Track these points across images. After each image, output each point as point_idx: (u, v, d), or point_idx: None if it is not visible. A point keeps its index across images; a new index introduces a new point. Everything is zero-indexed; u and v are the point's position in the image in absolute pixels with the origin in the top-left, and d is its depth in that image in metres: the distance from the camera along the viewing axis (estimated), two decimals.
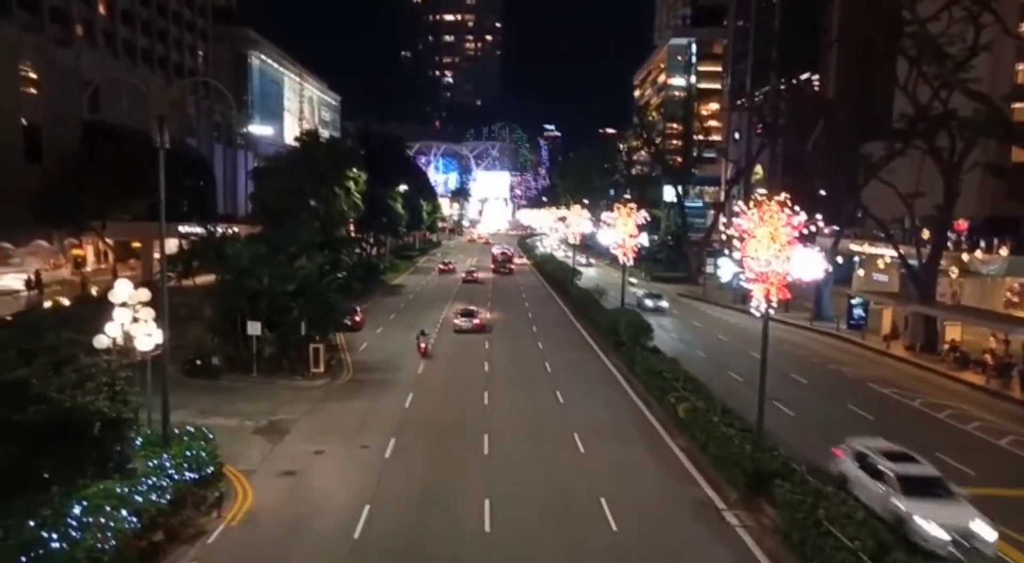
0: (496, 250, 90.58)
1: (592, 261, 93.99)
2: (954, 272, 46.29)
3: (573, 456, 22.97)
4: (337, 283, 38.19)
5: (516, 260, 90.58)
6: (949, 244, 46.57)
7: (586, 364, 36.77)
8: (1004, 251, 42.17)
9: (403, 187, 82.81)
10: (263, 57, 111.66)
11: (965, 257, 44.39)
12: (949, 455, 23.48)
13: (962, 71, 38.11)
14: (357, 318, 43.34)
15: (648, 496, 19.96)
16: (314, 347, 32.11)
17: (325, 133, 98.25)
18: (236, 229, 45.80)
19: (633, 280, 69.90)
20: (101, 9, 74.67)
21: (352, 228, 65.67)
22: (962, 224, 49.44)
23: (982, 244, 44.59)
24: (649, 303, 55.16)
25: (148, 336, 20.17)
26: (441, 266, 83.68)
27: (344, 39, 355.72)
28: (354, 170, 52.83)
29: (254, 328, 30.81)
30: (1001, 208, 47.94)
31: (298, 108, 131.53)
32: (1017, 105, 48.17)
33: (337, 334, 39.25)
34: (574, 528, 17.88)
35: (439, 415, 27.14)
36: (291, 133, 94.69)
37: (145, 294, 20.25)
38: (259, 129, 75.91)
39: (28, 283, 48.04)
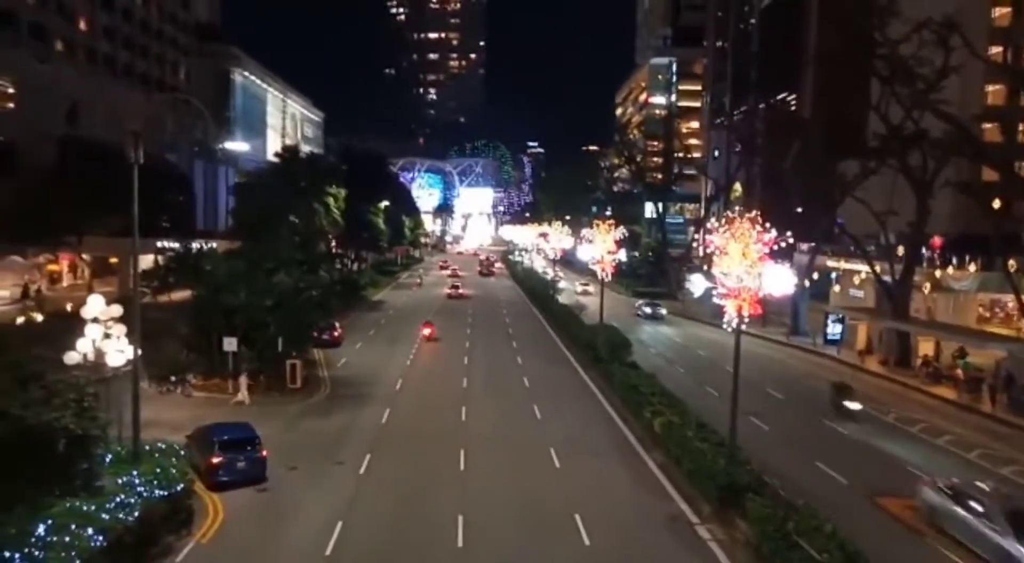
0: (482, 257, 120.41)
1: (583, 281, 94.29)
2: (927, 288, 47.01)
3: (549, 471, 22.97)
4: (315, 299, 38.11)
5: (497, 265, 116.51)
6: (924, 261, 47.36)
7: (564, 379, 36.85)
8: (974, 268, 42.90)
9: (385, 203, 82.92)
10: (246, 74, 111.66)
11: (938, 273, 45.12)
12: (921, 468, 23.75)
13: (933, 92, 38.97)
14: (336, 334, 43.16)
15: (622, 510, 19.99)
16: (291, 363, 31.94)
17: (308, 149, 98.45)
18: (215, 244, 45.59)
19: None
20: (82, 25, 74.44)
21: (334, 244, 65.63)
22: (938, 241, 50.31)
23: (954, 261, 45.36)
24: (648, 310, 58.96)
25: (120, 352, 20.04)
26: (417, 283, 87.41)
27: (329, 57, 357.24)
28: (334, 186, 52.84)
29: (230, 344, 30.61)
30: (973, 226, 48.86)
31: (281, 124, 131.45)
32: (986, 125, 49.30)
33: (315, 350, 39.07)
34: (547, 543, 17.87)
35: (416, 430, 27.06)
36: (274, 149, 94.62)
37: (117, 310, 20.13)
38: (235, 145, 75.73)
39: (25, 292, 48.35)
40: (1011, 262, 38.71)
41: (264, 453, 21.41)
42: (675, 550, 17.68)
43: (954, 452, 26.19)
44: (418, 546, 17.53)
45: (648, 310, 58.64)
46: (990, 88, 53.73)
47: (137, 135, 19.62)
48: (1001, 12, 51.98)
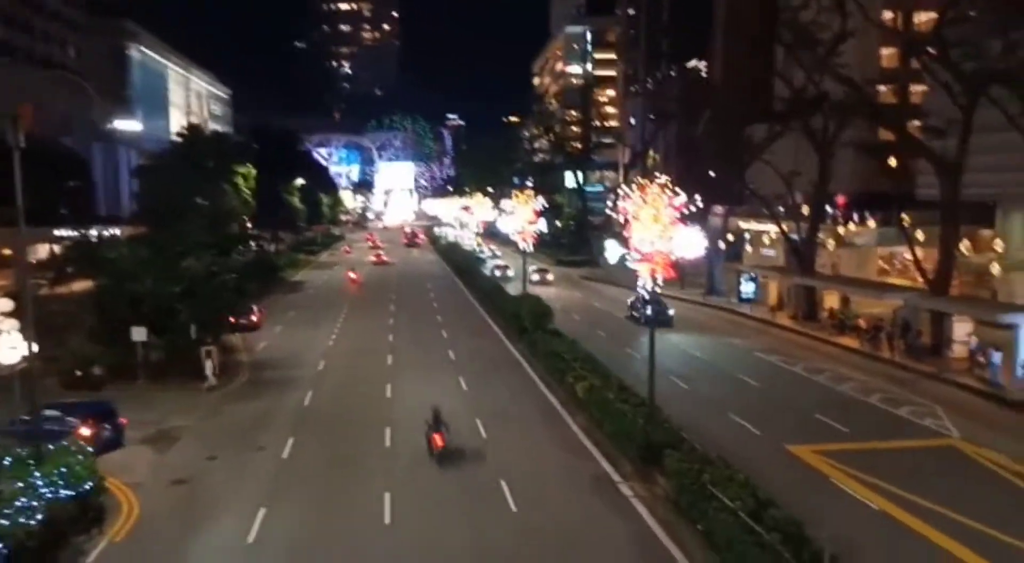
0: (407, 230, 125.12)
1: (496, 251, 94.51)
2: (831, 245, 49.34)
3: (475, 442, 23.12)
4: (230, 283, 36.80)
5: (420, 236, 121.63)
6: (828, 219, 49.60)
7: (490, 350, 37.03)
8: (873, 224, 45.24)
9: (300, 181, 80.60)
10: (144, 49, 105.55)
11: (840, 230, 47.40)
12: (826, 414, 25.13)
13: (831, 56, 40.43)
14: (254, 317, 41.95)
15: (547, 475, 20.37)
16: (206, 350, 30.79)
17: (216, 128, 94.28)
18: (117, 231, 43.31)
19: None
20: None
21: (249, 225, 63.45)
22: (841, 199, 52.74)
23: (855, 218, 47.71)
24: (536, 277, 58.59)
25: (13, 349, 18.88)
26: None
27: (234, 31, 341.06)
28: (244, 165, 50.91)
29: (139, 334, 29.28)
30: (872, 184, 51.42)
31: (185, 102, 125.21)
32: (882, 88, 51.65)
33: (234, 335, 37.87)
34: (475, 513, 18.05)
35: (340, 411, 26.72)
36: (178, 129, 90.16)
37: (6, 304, 18.90)
38: (127, 124, 71.63)
39: None
40: (905, 217, 41.03)
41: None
42: (599, 509, 18.15)
43: (856, 398, 27.78)
44: (345, 526, 17.41)
45: (536, 277, 58.65)
46: (884, 52, 56.28)
47: (15, 118, 18.27)
48: None
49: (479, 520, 17.63)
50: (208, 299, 31.75)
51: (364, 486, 19.61)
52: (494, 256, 76.80)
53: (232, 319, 36.02)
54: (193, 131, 53.59)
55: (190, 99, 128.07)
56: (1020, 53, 27.52)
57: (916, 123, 43.40)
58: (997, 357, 28.98)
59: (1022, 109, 27.04)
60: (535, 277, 59.49)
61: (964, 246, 42.42)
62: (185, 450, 22.68)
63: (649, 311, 38.26)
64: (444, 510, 18.17)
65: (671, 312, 42.07)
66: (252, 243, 63.44)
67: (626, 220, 20.79)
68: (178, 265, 31.95)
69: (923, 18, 52.22)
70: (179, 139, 51.89)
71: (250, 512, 17.92)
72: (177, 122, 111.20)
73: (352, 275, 51.30)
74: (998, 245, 42.54)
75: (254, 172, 52.94)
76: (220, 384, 30.07)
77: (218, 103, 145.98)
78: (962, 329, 31.92)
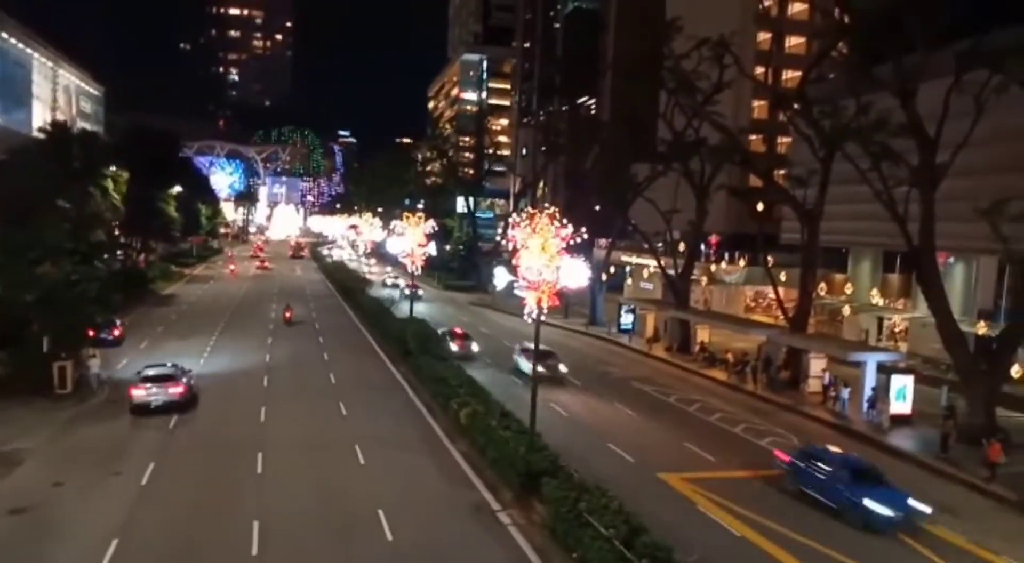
0: (292, 242, 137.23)
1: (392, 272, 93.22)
2: (704, 281, 52.22)
3: (353, 469, 22.53)
4: (91, 293, 34.18)
5: (304, 251, 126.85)
6: (702, 257, 52.54)
7: (373, 374, 36.31)
8: (743, 263, 48.31)
9: (178, 188, 76.41)
10: (4, 35, 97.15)
11: (713, 268, 50.29)
12: (695, 444, 26.35)
13: (709, 104, 43.21)
14: (116, 332, 39.14)
15: (426, 503, 20.11)
16: (59, 365, 28.44)
17: (87, 127, 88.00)
18: None
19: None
20: None
21: (117, 233, 59.31)
22: (714, 239, 56.10)
23: (726, 257, 50.81)
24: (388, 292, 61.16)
25: None
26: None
27: (113, 26, 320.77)
28: (113, 168, 47.70)
29: None
30: (742, 226, 55.08)
31: (51, 97, 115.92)
32: (753, 137, 55.68)
33: (92, 350, 35.06)
34: (349, 542, 17.53)
35: (209, 435, 25.28)
36: (41, 124, 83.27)
37: None
38: None
39: None
40: (770, 258, 44.15)
41: None
42: (476, 538, 18.10)
43: (724, 428, 29.33)
44: (207, 557, 16.43)
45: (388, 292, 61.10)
46: (756, 104, 60.83)
47: None
48: (764, 37, 58.99)
49: (353, 550, 17.14)
50: (65, 309, 29.37)
51: (231, 515, 18.62)
52: (396, 285, 71.79)
53: (91, 332, 33.44)
54: (58, 127, 49.64)
55: (57, 93, 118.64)
56: (870, 114, 30.44)
57: (782, 172, 47.05)
58: (846, 392, 31.55)
59: (871, 165, 29.87)
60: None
61: (821, 288, 46.18)
62: (27, 475, 20.76)
63: (537, 366, 33.87)
64: (317, 539, 17.54)
65: (564, 369, 35.56)
66: (119, 252, 59.41)
67: (515, 248, 21.17)
68: (33, 271, 29.40)
69: (790, 75, 57.06)
70: (41, 135, 47.90)
71: (100, 544, 16.57)
72: (41, 117, 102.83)
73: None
74: (849, 288, 46.64)
75: (126, 176, 49.61)
76: (73, 403, 27.75)
77: (89, 100, 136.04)
78: (817, 365, 34.48)
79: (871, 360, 31.86)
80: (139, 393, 26.80)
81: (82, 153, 45.25)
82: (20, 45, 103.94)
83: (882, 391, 29.68)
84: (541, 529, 18.22)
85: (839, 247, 46.73)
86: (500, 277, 63.84)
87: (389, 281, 75.38)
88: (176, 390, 27.41)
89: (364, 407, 29.63)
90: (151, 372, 28.06)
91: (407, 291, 57.36)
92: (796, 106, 37.08)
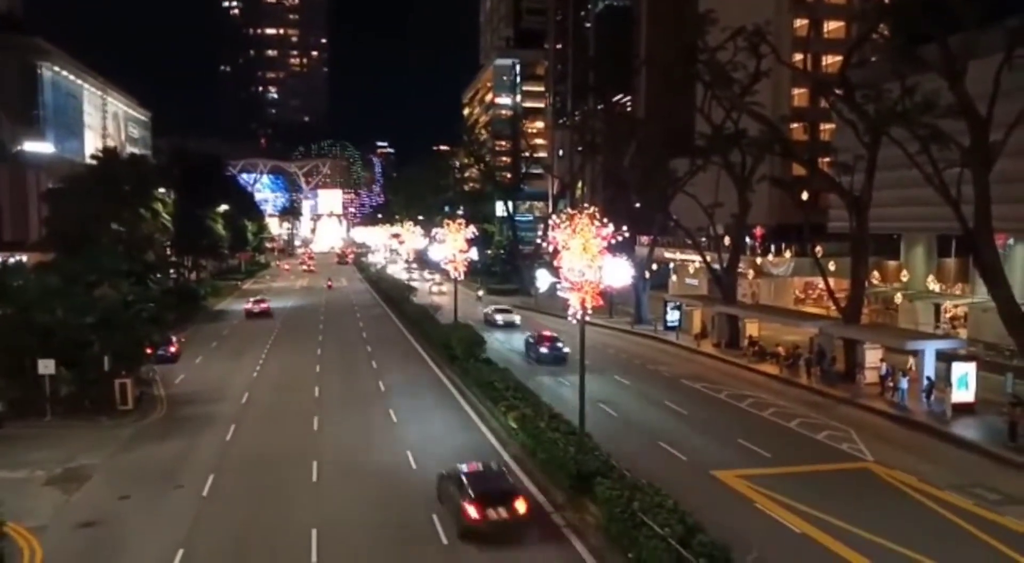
0: (337, 251, 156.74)
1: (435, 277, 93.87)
2: (751, 274, 51.30)
3: (405, 475, 22.72)
4: (148, 312, 35.29)
5: (350, 257, 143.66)
6: (747, 250, 51.63)
7: (421, 380, 36.61)
8: (789, 254, 47.32)
9: (224, 207, 78.41)
10: (56, 69, 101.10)
11: (759, 261, 49.36)
12: (749, 440, 25.88)
13: (747, 95, 42.48)
14: (172, 349, 40.28)
15: None
16: (120, 383, 29.39)
17: (135, 151, 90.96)
18: (24, 257, 41.03)
19: (481, 292, 70.96)
20: None
21: (169, 253, 61.17)
22: (759, 231, 55.08)
23: (772, 249, 49.83)
24: (499, 319, 53.12)
25: None
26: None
27: (156, 53, 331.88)
28: (161, 190, 49.22)
29: (46, 367, 27.69)
30: (787, 216, 54.00)
31: (101, 124, 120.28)
32: (794, 125, 54.53)
33: (151, 367, 36.19)
34: (406, 547, 17.69)
35: (265, 445, 25.81)
36: (93, 151, 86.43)
37: None
38: (36, 146, 68.28)
39: None
40: (818, 248, 43.15)
41: None
42: (533, 539, 18.05)
43: (778, 423, 28.73)
44: None
45: (499, 319, 52.52)
46: (796, 92, 59.60)
47: None
48: (801, 23, 57.76)
49: (411, 555, 17.28)
50: (123, 329, 30.36)
51: (289, 523, 18.95)
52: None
53: (149, 350, 34.51)
54: (109, 154, 51.43)
55: (107, 121, 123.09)
56: (916, 96, 29.54)
57: (826, 159, 45.95)
58: (905, 382, 30.61)
59: (920, 148, 28.97)
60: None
61: (873, 276, 44.94)
62: (95, 490, 21.45)
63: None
64: (374, 547, 17.73)
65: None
66: (172, 271, 61.20)
67: (556, 249, 21.12)
68: (91, 294, 30.48)
69: (830, 61, 55.77)
70: (94, 162, 49.69)
71: (167, 554, 17.06)
72: (93, 144, 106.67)
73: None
74: (904, 276, 45.26)
75: (174, 197, 51.17)
76: (135, 419, 28.65)
77: (137, 125, 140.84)
78: (873, 356, 33.53)
79: (930, 348, 30.85)
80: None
81: (132, 177, 46.76)
82: (71, 77, 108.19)
83: (943, 379, 28.70)
84: (595, 530, 18.10)
85: (890, 234, 45.43)
86: (542, 279, 63.72)
87: (439, 289, 74.33)
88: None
89: (413, 413, 29.89)
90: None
91: (497, 318, 52.54)
92: (838, 92, 36.17)
